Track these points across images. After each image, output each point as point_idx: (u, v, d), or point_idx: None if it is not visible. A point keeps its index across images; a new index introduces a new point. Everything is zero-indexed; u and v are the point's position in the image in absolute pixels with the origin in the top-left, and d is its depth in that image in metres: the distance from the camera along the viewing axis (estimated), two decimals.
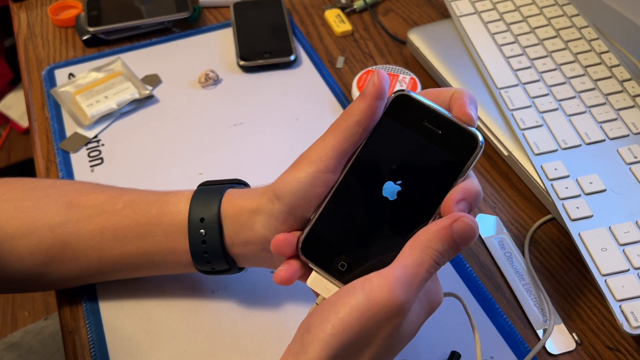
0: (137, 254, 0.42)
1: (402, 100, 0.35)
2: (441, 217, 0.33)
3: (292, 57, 0.64)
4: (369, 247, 0.34)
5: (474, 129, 0.34)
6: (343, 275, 0.34)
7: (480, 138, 0.33)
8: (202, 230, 0.40)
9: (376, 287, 0.31)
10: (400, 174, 0.34)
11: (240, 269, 0.43)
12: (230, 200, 0.40)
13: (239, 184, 0.43)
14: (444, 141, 0.34)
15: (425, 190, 0.34)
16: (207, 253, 0.40)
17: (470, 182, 0.33)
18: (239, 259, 0.41)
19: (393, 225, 0.34)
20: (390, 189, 0.34)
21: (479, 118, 0.56)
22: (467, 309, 0.41)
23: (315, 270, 0.35)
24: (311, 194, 0.35)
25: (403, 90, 0.35)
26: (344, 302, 0.31)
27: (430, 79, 0.63)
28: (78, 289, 0.46)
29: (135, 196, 0.43)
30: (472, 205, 0.33)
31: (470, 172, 0.34)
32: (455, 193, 0.33)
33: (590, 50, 0.59)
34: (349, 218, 0.35)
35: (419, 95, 0.35)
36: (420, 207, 0.34)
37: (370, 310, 0.30)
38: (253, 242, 0.39)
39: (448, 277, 0.47)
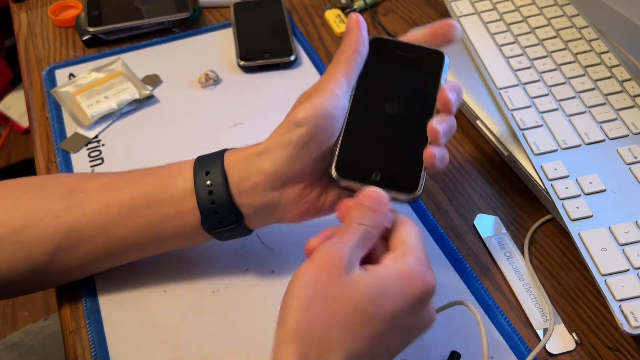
0: (144, 225, 0.42)
1: (378, 41, 0.43)
2: (438, 112, 0.41)
3: (292, 57, 0.64)
4: (391, 157, 0.40)
5: (436, 48, 0.43)
6: (380, 184, 0.39)
7: (445, 52, 0.43)
8: (208, 182, 0.41)
9: (320, 250, 0.35)
10: (394, 93, 0.42)
11: (249, 232, 0.43)
12: (233, 153, 0.42)
13: None
14: (418, 61, 0.43)
15: (418, 100, 0.41)
16: (214, 203, 0.40)
17: (450, 84, 0.41)
18: (247, 210, 0.41)
19: (404, 135, 0.41)
20: (392, 106, 0.41)
21: (478, 117, 0.56)
22: (476, 315, 0.41)
23: (356, 189, 0.39)
24: (334, 115, 0.39)
25: (376, 35, 0.44)
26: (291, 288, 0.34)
27: None
28: (78, 288, 0.46)
29: (136, 172, 0.44)
30: (459, 97, 0.41)
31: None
32: (447, 86, 0.41)
33: (590, 51, 0.59)
34: (368, 136, 0.41)
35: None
36: (419, 114, 0.41)
37: (319, 269, 0.34)
38: (261, 185, 0.40)
39: (448, 277, 0.47)
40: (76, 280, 0.46)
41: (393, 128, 0.41)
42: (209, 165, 0.41)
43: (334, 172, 0.39)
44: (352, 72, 0.41)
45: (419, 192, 0.39)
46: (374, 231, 0.36)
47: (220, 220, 0.41)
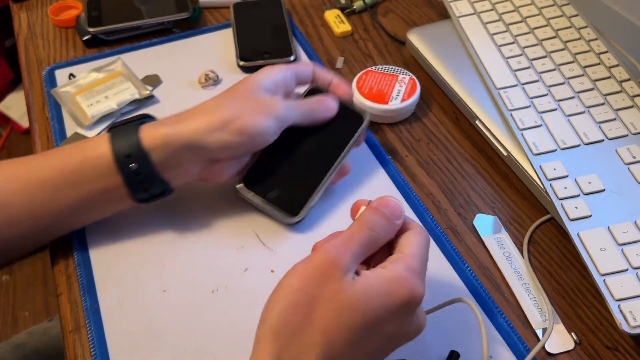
0: (73, 202, 0.44)
1: (314, 91, 0.52)
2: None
3: (292, 58, 0.64)
4: (288, 184, 0.49)
5: (361, 109, 0.52)
6: (271, 201, 0.49)
7: (367, 115, 0.51)
8: (132, 165, 0.44)
9: (318, 251, 0.35)
10: (312, 139, 0.50)
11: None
12: (153, 129, 0.44)
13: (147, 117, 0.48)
14: (342, 117, 0.51)
15: (329, 147, 0.50)
16: (143, 182, 0.44)
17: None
18: (173, 179, 0.46)
19: (305, 171, 0.50)
20: (306, 147, 0.50)
21: (477, 117, 0.56)
22: (476, 313, 0.41)
23: (254, 202, 0.49)
24: (271, 139, 0.47)
25: (314, 85, 0.53)
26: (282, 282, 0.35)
27: (429, 79, 0.63)
28: (79, 288, 0.46)
29: (51, 152, 0.46)
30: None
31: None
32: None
33: (589, 51, 0.59)
34: (277, 163, 0.50)
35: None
36: (325, 158, 0.50)
37: (310, 269, 0.34)
38: (187, 163, 0.45)
39: (447, 277, 0.47)
40: (76, 280, 0.47)
41: (299, 164, 0.50)
42: (127, 143, 0.44)
43: (239, 185, 0.49)
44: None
45: (297, 218, 0.48)
46: (382, 239, 0.36)
47: (150, 193, 0.46)
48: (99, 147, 0.44)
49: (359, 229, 0.36)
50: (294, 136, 0.50)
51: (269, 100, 0.46)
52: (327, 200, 0.52)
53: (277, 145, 0.48)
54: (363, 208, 0.39)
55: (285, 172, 0.50)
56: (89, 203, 0.45)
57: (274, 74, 0.48)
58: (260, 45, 0.65)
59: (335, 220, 0.50)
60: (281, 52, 0.64)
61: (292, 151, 0.50)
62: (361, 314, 0.33)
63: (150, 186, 0.45)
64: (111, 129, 0.46)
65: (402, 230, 0.38)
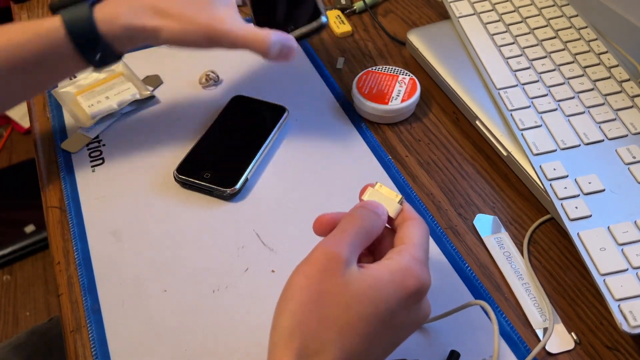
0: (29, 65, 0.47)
1: (238, 98, 0.60)
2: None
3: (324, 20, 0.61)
4: (220, 164, 0.53)
5: (281, 104, 0.58)
6: (208, 180, 0.52)
7: (286, 108, 0.58)
8: (96, 57, 0.47)
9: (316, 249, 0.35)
10: (239, 129, 0.57)
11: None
12: (110, 17, 0.46)
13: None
14: (265, 111, 0.58)
15: (254, 134, 0.56)
16: (102, 61, 0.47)
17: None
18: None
19: (234, 152, 0.54)
20: (234, 135, 0.56)
21: (477, 117, 0.56)
22: (492, 315, 0.41)
23: (191, 183, 0.52)
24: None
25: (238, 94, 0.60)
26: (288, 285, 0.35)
27: (429, 79, 0.63)
28: (79, 288, 0.46)
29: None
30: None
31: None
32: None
33: (589, 51, 0.59)
34: (208, 150, 0.55)
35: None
36: (251, 142, 0.55)
37: (310, 265, 0.35)
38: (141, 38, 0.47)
39: (447, 277, 0.47)
40: (77, 280, 0.47)
41: (228, 147, 0.55)
42: (79, 23, 0.45)
43: (175, 173, 0.53)
44: None
45: (236, 187, 0.51)
46: (372, 230, 0.37)
47: (101, 59, 0.48)
48: (60, 43, 0.46)
49: (350, 222, 0.37)
50: (222, 131, 0.56)
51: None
52: (329, 201, 0.52)
53: (212, 135, 0.55)
54: (369, 189, 0.40)
55: (215, 155, 0.54)
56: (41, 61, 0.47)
57: None
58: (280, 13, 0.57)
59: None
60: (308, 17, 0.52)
61: (220, 140, 0.56)
62: (372, 306, 0.33)
63: (106, 59, 0.48)
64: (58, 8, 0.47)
65: (402, 222, 0.39)
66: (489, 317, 0.45)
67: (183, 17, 0.45)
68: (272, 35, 0.46)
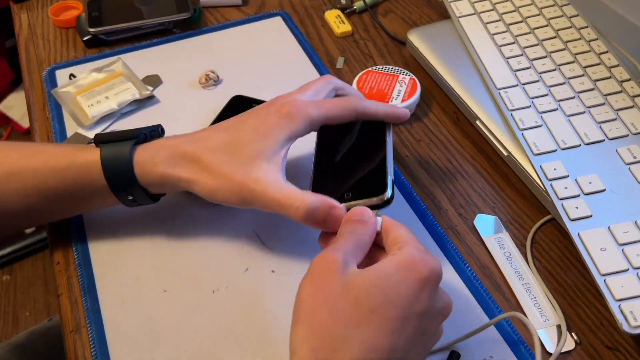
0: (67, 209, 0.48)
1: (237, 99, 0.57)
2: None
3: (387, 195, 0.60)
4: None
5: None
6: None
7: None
8: (129, 197, 0.45)
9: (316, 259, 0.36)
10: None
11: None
12: (150, 164, 0.44)
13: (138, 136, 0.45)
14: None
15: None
16: (135, 201, 0.46)
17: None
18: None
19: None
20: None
21: (478, 117, 0.56)
22: (529, 326, 0.41)
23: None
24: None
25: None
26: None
27: (429, 79, 0.63)
28: (79, 288, 0.46)
29: (45, 158, 0.45)
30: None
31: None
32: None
33: (589, 51, 0.59)
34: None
35: None
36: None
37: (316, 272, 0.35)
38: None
39: (447, 277, 0.47)
40: (76, 280, 0.47)
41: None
42: (122, 175, 0.44)
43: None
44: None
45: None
46: (364, 239, 0.38)
47: (135, 200, 0.46)
48: (94, 178, 0.45)
49: (342, 236, 0.38)
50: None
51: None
52: None
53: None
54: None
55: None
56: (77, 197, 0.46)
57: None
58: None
59: None
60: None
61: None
62: (382, 296, 0.33)
63: (138, 200, 0.46)
64: (102, 143, 0.45)
65: (387, 229, 0.39)
66: (488, 315, 0.44)
67: (219, 173, 0.42)
68: (309, 203, 0.40)
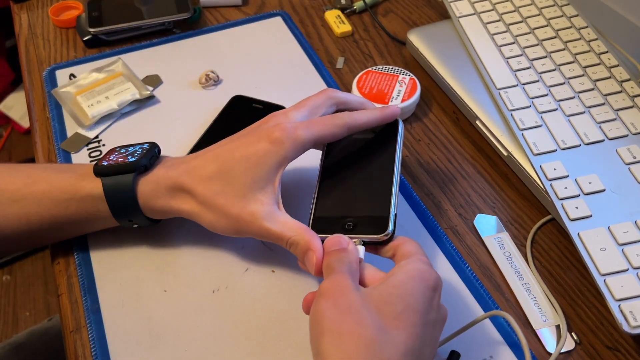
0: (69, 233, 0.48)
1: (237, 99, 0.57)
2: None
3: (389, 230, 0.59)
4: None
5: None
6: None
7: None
8: (133, 224, 0.46)
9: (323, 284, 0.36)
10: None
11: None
12: (150, 199, 0.44)
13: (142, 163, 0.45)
14: (263, 111, 0.49)
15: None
16: (135, 224, 0.47)
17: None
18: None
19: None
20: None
21: (477, 117, 0.56)
22: (516, 328, 0.41)
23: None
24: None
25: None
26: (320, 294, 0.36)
27: (429, 79, 0.63)
28: (79, 288, 0.46)
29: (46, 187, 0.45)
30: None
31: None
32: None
33: (589, 51, 0.59)
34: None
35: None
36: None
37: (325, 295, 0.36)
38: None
39: (447, 277, 0.47)
40: (77, 280, 0.47)
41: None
42: (126, 204, 0.44)
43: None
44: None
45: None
46: (354, 264, 0.38)
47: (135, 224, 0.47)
48: (99, 209, 0.45)
49: (333, 265, 0.38)
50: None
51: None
52: None
53: (212, 135, 0.48)
54: None
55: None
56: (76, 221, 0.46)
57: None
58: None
59: None
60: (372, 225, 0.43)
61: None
62: (402, 303, 0.35)
63: (140, 224, 0.47)
64: (105, 174, 0.45)
65: (396, 245, 0.41)
66: (510, 328, 0.44)
67: (215, 206, 0.42)
68: (305, 238, 0.40)
